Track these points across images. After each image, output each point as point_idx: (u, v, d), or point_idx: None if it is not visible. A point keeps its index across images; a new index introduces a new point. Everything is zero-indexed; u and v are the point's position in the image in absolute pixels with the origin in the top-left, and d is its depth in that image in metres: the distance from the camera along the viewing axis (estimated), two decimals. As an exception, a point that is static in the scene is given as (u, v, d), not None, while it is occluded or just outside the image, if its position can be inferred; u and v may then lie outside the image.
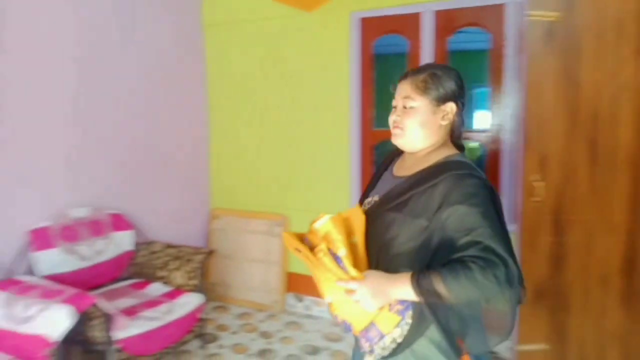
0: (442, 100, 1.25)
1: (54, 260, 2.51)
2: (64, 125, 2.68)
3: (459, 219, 1.12)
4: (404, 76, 1.29)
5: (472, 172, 1.19)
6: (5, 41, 2.38)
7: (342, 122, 3.18)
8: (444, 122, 1.26)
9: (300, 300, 3.43)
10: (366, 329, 1.18)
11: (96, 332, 2.16)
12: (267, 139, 3.50)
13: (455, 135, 1.30)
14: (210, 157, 3.77)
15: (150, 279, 2.85)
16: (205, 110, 3.70)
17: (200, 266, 2.78)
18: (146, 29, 3.14)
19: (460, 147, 1.32)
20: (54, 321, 1.94)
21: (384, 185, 1.32)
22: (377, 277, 1.15)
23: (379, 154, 3.16)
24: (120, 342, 2.20)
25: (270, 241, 3.46)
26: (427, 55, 2.87)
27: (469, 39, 3.47)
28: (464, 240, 1.11)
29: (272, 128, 3.46)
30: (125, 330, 2.24)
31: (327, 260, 1.15)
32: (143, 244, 2.99)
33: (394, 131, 1.28)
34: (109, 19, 2.90)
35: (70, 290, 2.12)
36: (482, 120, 4.22)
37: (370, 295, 1.13)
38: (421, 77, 1.26)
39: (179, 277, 2.78)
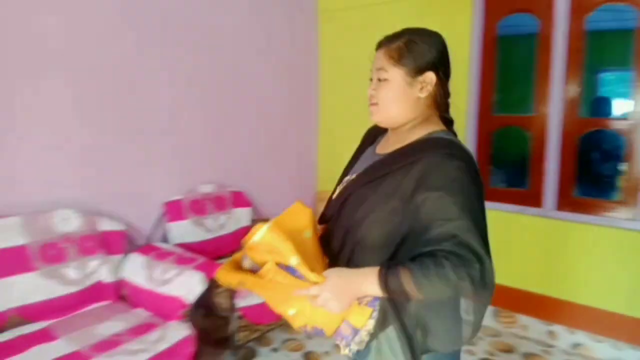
0: (419, 70, 1.13)
1: (184, 230, 2.75)
2: (201, 109, 2.91)
3: (435, 205, 1.01)
4: (379, 45, 1.17)
5: (455, 151, 1.07)
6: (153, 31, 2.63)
7: (457, 107, 3.06)
8: (423, 95, 1.14)
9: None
10: (339, 329, 1.09)
11: (221, 299, 2.34)
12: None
13: (441, 108, 1.19)
14: (319, 142, 3.86)
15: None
16: (316, 95, 3.78)
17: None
18: (262, 14, 3.27)
19: (448, 122, 1.22)
20: (189, 285, 2.14)
21: (364, 163, 1.21)
22: (339, 277, 1.05)
23: (497, 140, 3.00)
24: (241, 309, 2.37)
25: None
26: (560, 36, 2.65)
27: (611, 17, 3.13)
28: (438, 230, 0.99)
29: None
30: (246, 299, 2.40)
31: (281, 277, 1.06)
32: (259, 221, 3.15)
33: (370, 108, 1.18)
34: (227, 3, 3.07)
35: (201, 259, 2.32)
36: (623, 106, 3.80)
37: (334, 298, 1.03)
38: (395, 45, 1.14)
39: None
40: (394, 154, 1.13)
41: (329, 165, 3.80)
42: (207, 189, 2.94)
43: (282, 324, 2.68)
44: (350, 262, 1.12)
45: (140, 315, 2.24)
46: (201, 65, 2.90)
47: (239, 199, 3.09)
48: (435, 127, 1.17)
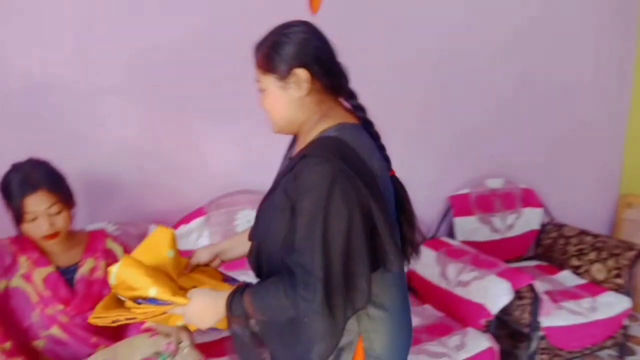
0: (286, 71, 1.03)
1: (470, 227, 2.55)
2: (489, 93, 2.65)
3: (297, 223, 0.96)
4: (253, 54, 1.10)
5: (326, 153, 0.96)
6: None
7: None
8: (300, 94, 1.04)
9: None
10: None
11: (523, 313, 2.06)
12: None
13: (341, 97, 1.10)
14: (627, 136, 3.14)
15: (558, 265, 2.59)
16: (630, 84, 3.07)
17: (630, 264, 2.33)
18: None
19: (358, 109, 1.11)
20: (493, 293, 1.92)
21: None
22: (202, 300, 1.05)
23: None
24: (545, 329, 2.05)
25: None
26: None
27: None
28: (289, 245, 0.98)
29: None
30: (550, 317, 2.06)
31: (143, 311, 1.06)
32: (550, 225, 2.74)
33: None
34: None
35: (502, 265, 2.08)
36: None
37: (196, 318, 1.05)
38: (260, 53, 1.07)
39: (598, 271, 2.42)
40: (286, 163, 1.11)
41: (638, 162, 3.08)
42: (494, 184, 2.67)
43: (585, 354, 2.25)
44: (268, 277, 1.08)
45: (432, 313, 2.14)
46: (496, 46, 2.61)
47: (529, 198, 2.72)
48: (330, 122, 1.06)
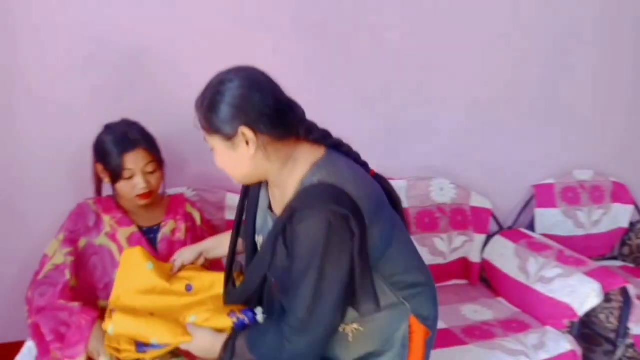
0: (230, 132, 0.96)
1: (552, 220, 2.38)
2: (581, 77, 2.42)
3: (293, 274, 0.99)
4: None
5: (317, 203, 0.95)
6: None
7: None
8: (251, 152, 0.98)
9: None
10: None
11: (610, 317, 1.91)
12: None
13: (302, 137, 1.02)
14: None
15: (645, 266, 2.39)
16: None
17: None
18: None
19: (321, 140, 1.05)
20: (580, 294, 1.78)
21: (265, 223, 1.15)
22: (203, 341, 1.13)
23: None
24: (635, 337, 1.89)
25: None
26: None
27: None
28: (285, 296, 1.05)
29: None
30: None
31: (151, 356, 1.15)
32: (638, 224, 2.52)
33: None
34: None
35: (592, 263, 1.92)
36: None
37: (201, 354, 1.13)
38: (200, 114, 0.99)
39: (696, 279, 2.20)
40: (278, 219, 1.03)
41: None
42: (583, 175, 2.46)
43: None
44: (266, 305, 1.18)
45: (507, 307, 2.03)
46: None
47: (619, 193, 2.50)
48: (303, 167, 1.02)
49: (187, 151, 1.86)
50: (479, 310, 2.00)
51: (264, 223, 1.15)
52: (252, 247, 1.20)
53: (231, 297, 1.22)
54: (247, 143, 0.97)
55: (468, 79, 2.20)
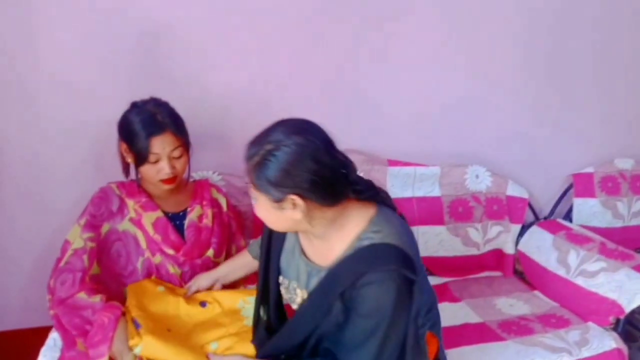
0: (278, 196, 0.93)
1: (590, 210, 2.26)
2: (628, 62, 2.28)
3: (353, 332, 0.98)
4: None
5: (384, 265, 0.95)
6: None
7: None
8: (297, 216, 0.95)
9: None
10: None
11: (656, 314, 1.80)
12: None
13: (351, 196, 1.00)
14: None
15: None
16: None
17: None
18: None
19: (372, 198, 1.03)
20: (628, 289, 1.67)
21: (298, 269, 1.09)
22: None
23: None
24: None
25: None
26: None
27: None
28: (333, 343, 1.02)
29: None
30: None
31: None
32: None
33: None
34: None
35: (638, 258, 1.81)
36: None
37: None
38: (248, 167, 0.95)
39: None
40: (330, 275, 1.00)
41: None
42: (624, 164, 2.33)
43: None
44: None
45: (544, 301, 1.92)
46: None
47: (662, 183, 2.37)
48: (359, 223, 1.00)
49: (212, 134, 1.78)
50: (514, 304, 1.90)
51: (296, 268, 1.11)
52: (275, 287, 1.17)
53: (260, 341, 1.18)
54: (294, 206, 0.94)
55: (509, 64, 2.09)
